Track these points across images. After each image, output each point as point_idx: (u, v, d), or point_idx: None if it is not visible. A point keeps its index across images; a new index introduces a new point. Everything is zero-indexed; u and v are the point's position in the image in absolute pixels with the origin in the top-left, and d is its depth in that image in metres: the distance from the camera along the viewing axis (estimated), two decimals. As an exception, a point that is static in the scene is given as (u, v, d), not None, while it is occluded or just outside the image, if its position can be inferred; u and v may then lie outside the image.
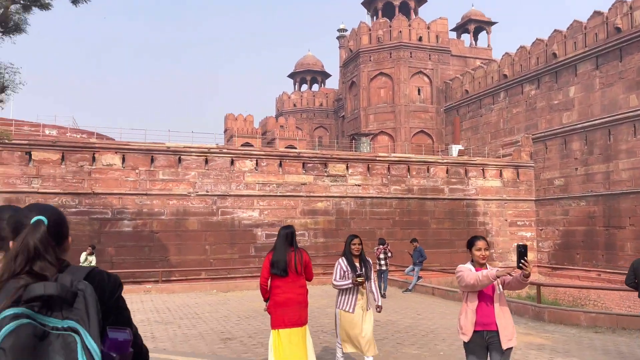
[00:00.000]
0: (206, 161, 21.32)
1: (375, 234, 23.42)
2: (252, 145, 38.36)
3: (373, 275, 5.67)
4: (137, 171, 20.23)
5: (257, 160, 22.19)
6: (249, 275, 19.84)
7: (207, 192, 21.14)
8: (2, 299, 1.35)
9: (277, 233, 5.65)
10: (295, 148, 34.32)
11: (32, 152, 18.87)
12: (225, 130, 46.85)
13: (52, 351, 1.31)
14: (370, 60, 37.69)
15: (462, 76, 34.92)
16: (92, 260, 12.83)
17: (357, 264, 5.57)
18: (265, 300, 5.41)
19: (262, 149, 25.67)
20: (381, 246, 13.56)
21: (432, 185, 24.97)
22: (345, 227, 23.05)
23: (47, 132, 24.66)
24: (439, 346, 7.60)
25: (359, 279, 5.32)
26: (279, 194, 22.24)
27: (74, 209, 19.05)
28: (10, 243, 1.54)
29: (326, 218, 22.91)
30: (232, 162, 21.76)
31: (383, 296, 12.92)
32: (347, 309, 5.46)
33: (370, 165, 23.99)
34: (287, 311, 5.19)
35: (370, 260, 5.82)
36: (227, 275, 20.18)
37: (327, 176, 23.21)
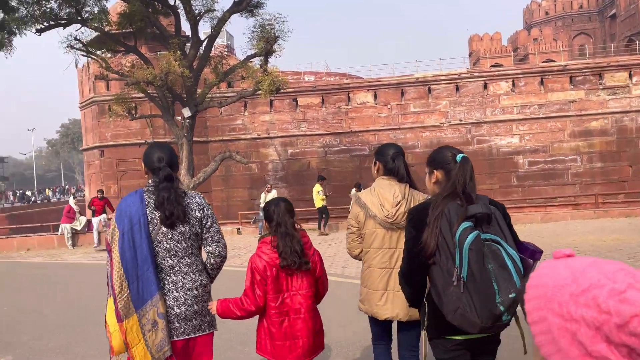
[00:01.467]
0: (457, 88, 20.16)
1: (673, 155, 18.99)
2: (502, 66, 35.06)
3: None
4: (388, 106, 20.44)
5: (512, 81, 19.97)
6: (513, 206, 18.40)
7: (460, 120, 20.10)
8: (453, 215, 1.90)
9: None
10: (554, 62, 29.91)
11: (297, 99, 20.77)
12: (471, 54, 43.98)
13: (485, 255, 1.85)
14: None
15: None
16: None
17: None
18: None
19: (517, 67, 23.07)
20: None
21: None
22: (631, 148, 19.26)
23: (306, 78, 26.91)
24: None
25: None
26: (541, 115, 19.73)
27: (336, 148, 20.47)
28: (435, 172, 2.12)
29: (603, 139, 19.46)
30: (484, 86, 20.08)
31: None
32: None
33: (664, 69, 19.17)
34: None
35: None
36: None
37: (603, 89, 19.49)
